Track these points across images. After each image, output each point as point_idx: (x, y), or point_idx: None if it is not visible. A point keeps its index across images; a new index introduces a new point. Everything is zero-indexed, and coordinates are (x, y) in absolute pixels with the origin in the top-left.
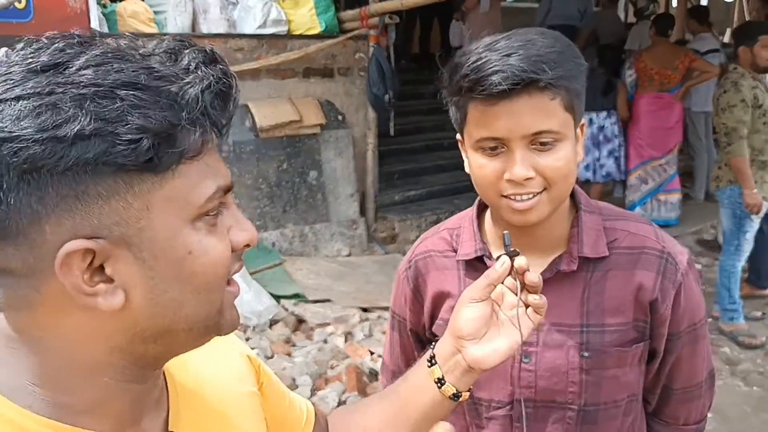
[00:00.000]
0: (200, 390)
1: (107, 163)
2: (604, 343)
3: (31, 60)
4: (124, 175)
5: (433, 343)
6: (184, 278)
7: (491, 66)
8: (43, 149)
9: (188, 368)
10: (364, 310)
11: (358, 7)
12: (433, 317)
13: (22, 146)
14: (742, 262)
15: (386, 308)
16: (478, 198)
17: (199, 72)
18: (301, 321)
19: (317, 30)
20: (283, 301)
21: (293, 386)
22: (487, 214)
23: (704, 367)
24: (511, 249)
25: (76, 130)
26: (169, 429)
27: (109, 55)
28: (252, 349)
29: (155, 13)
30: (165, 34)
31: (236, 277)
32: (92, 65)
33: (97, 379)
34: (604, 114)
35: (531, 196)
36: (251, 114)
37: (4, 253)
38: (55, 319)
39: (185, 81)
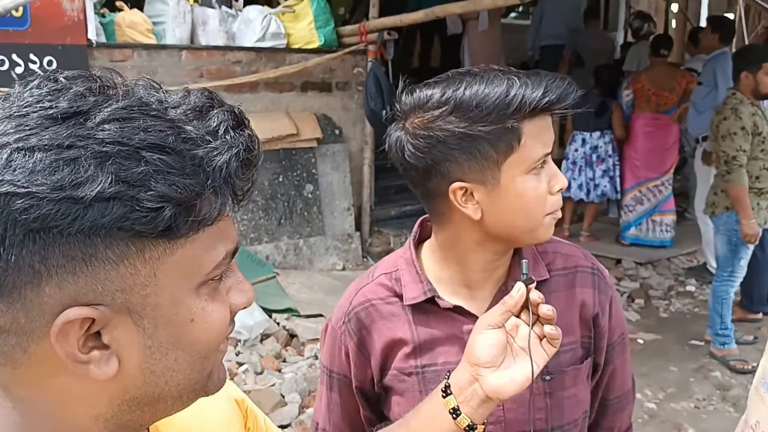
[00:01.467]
0: None
1: (123, 228)
2: (561, 364)
3: (48, 104)
4: (137, 240)
5: (448, 374)
6: (183, 346)
7: (552, 82)
8: (57, 210)
9: (173, 419)
10: None
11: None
12: (383, 369)
13: (34, 204)
14: (735, 288)
15: None
16: (410, 239)
17: (227, 137)
18: (292, 336)
19: (316, 44)
20: (275, 315)
21: (282, 403)
22: (424, 251)
23: (630, 374)
24: (527, 278)
25: (96, 191)
26: None
27: (135, 109)
28: (242, 364)
29: (154, 24)
30: (164, 46)
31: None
32: (117, 119)
33: None
34: (597, 134)
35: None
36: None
37: None
38: (39, 380)
39: (212, 146)
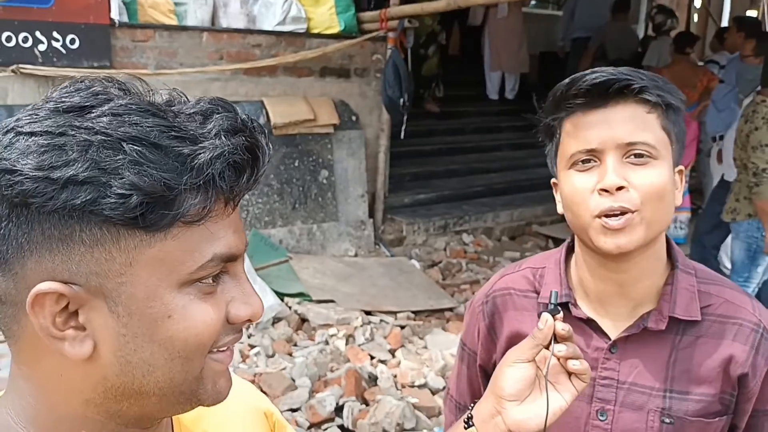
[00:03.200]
0: None
1: (94, 212)
2: (688, 412)
3: (63, 99)
4: (112, 227)
5: (472, 405)
6: (160, 341)
7: (588, 75)
8: (35, 187)
9: (202, 421)
10: (367, 313)
11: (378, 8)
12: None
13: (18, 180)
14: (749, 292)
15: (388, 312)
16: (567, 240)
17: (218, 139)
18: (303, 320)
19: (336, 29)
20: (287, 299)
21: (293, 387)
22: (574, 259)
23: None
24: (553, 307)
25: (69, 174)
26: None
27: (134, 107)
28: (253, 347)
29: (176, 4)
30: (185, 27)
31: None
32: (111, 114)
33: (77, 431)
34: None
35: (623, 218)
36: (266, 110)
37: None
38: (34, 357)
39: (201, 145)
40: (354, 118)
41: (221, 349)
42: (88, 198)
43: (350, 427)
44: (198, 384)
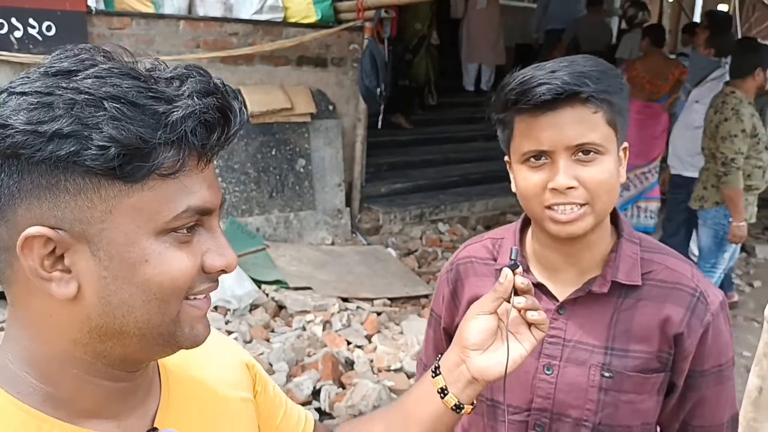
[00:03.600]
0: (195, 390)
1: (77, 163)
2: (626, 367)
3: (53, 64)
4: (93, 177)
5: (439, 356)
6: (137, 284)
7: (537, 80)
8: (24, 139)
9: (188, 368)
10: (344, 299)
11: None
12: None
13: (9, 134)
14: (715, 279)
15: (365, 299)
16: (524, 214)
17: (190, 100)
18: (281, 307)
19: (313, 19)
20: (264, 286)
21: (270, 371)
22: (530, 230)
23: (727, 409)
24: (512, 262)
25: (55, 128)
26: (154, 425)
27: (115, 70)
28: (230, 333)
29: None
30: (162, 15)
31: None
32: (95, 76)
33: (68, 370)
34: None
35: (573, 208)
36: (243, 99)
37: None
38: (26, 299)
39: (175, 105)
40: (331, 107)
41: (198, 297)
42: (71, 150)
43: (327, 410)
44: (175, 326)
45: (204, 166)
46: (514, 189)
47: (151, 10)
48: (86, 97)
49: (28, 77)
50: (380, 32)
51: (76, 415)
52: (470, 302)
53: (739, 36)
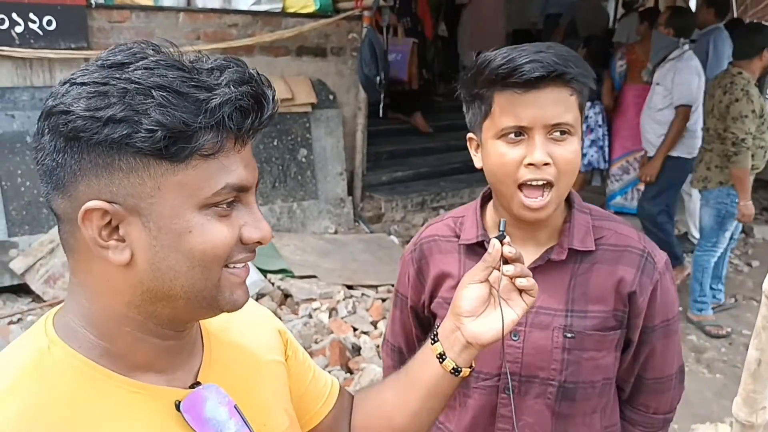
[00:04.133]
0: (234, 352)
1: (129, 144)
2: (586, 327)
3: (109, 58)
4: (143, 157)
5: (438, 323)
6: (183, 251)
7: (525, 57)
8: (84, 124)
9: (228, 332)
10: (349, 287)
11: None
12: (432, 296)
13: (71, 119)
14: (715, 258)
15: (369, 286)
16: (484, 191)
17: (227, 88)
18: (287, 296)
19: (312, 8)
20: (270, 275)
21: None
22: (490, 205)
23: (675, 361)
24: (501, 233)
25: (109, 114)
26: (197, 380)
27: (162, 62)
28: None
29: None
30: (161, 8)
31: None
32: (144, 68)
33: (122, 328)
34: (588, 104)
35: (543, 196)
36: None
37: (56, 200)
38: (86, 267)
39: (214, 92)
40: (331, 96)
41: (236, 266)
42: (124, 133)
43: None
44: (217, 291)
45: (241, 148)
46: (478, 165)
47: (150, 2)
48: (136, 86)
49: (87, 69)
50: (379, 21)
51: (129, 369)
52: (436, 278)
53: (734, 17)
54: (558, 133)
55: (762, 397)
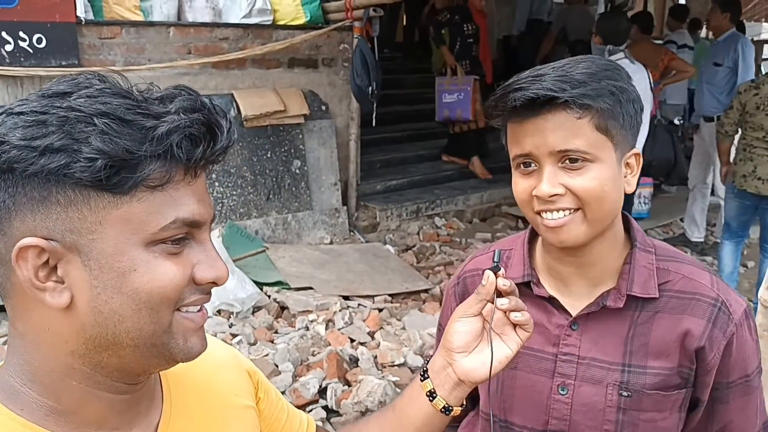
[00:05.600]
0: (198, 400)
1: (67, 175)
2: (645, 385)
3: (51, 87)
4: (83, 189)
5: (427, 359)
6: (127, 292)
7: (517, 84)
8: (19, 154)
9: (191, 378)
10: (345, 298)
11: None
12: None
13: (5, 149)
14: None
15: (366, 297)
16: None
17: (176, 116)
18: (283, 308)
19: (302, 20)
20: (265, 288)
21: (276, 372)
22: (539, 241)
23: (757, 418)
24: (494, 265)
25: (47, 143)
26: None
27: (108, 91)
28: (235, 336)
29: (141, 0)
30: (151, 23)
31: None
32: (87, 96)
33: (69, 382)
34: None
35: (563, 214)
36: (236, 103)
37: None
38: (25, 313)
39: (162, 120)
40: (324, 107)
41: (190, 309)
42: (61, 162)
43: (334, 408)
44: (168, 337)
45: (192, 180)
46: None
47: (140, 17)
48: (77, 114)
49: (27, 99)
50: (369, 31)
51: (79, 429)
52: None
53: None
54: (569, 162)
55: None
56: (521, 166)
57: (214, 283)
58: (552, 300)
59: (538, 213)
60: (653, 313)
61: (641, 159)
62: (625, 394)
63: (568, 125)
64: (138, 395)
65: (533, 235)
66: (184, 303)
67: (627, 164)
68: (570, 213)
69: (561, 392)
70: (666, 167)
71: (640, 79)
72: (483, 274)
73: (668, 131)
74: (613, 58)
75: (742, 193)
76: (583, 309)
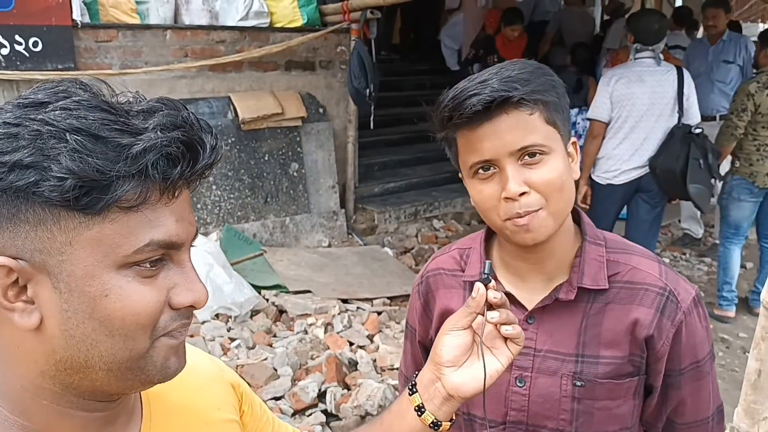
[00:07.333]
0: (179, 415)
1: (36, 193)
2: (598, 375)
3: (29, 96)
4: (53, 208)
5: (416, 374)
6: (99, 319)
7: (468, 92)
8: None
9: (172, 393)
10: (344, 301)
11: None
12: (437, 332)
13: None
14: None
15: (365, 299)
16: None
17: (153, 133)
18: (281, 312)
19: (299, 23)
20: (264, 291)
21: (275, 376)
22: (496, 238)
23: (711, 403)
24: (485, 276)
25: (16, 158)
26: None
27: (85, 103)
28: (233, 340)
29: (137, 3)
30: (148, 26)
31: (218, 268)
32: (62, 108)
33: (39, 401)
34: (575, 111)
35: (527, 217)
36: (233, 106)
37: None
38: None
39: (139, 137)
40: (321, 110)
41: (174, 335)
42: (30, 180)
43: (333, 412)
44: (146, 362)
45: (170, 200)
46: (473, 203)
47: (136, 21)
48: (50, 128)
49: (3, 108)
50: (367, 33)
51: None
52: (441, 315)
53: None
54: (528, 157)
55: (763, 408)
56: (480, 171)
57: (192, 307)
58: (508, 295)
59: (507, 219)
60: (604, 305)
61: (578, 146)
62: (578, 383)
63: (522, 123)
64: (115, 411)
65: (490, 234)
66: (166, 330)
67: (568, 153)
68: (534, 213)
69: (518, 384)
70: (670, 179)
71: (664, 81)
72: (447, 274)
73: (685, 142)
74: (639, 56)
75: (762, 191)
76: (537, 303)
